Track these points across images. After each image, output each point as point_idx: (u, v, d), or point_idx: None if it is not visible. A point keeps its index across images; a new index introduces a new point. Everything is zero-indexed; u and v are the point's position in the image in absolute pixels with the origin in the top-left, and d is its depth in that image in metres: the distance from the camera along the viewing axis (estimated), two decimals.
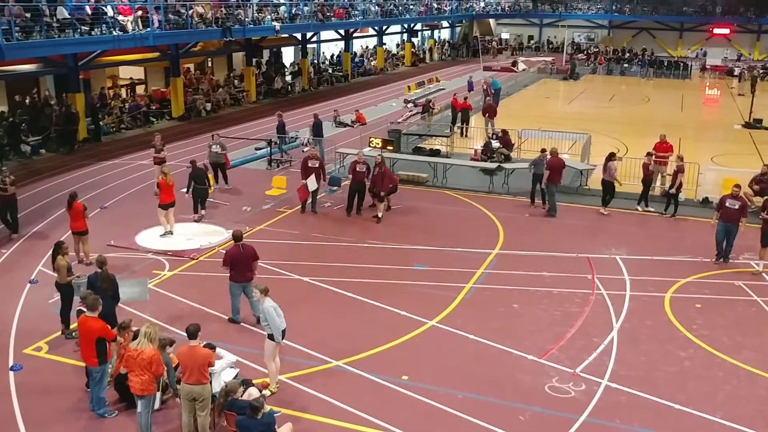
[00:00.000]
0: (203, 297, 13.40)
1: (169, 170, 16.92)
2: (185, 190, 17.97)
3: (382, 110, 35.26)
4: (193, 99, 33.11)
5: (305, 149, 22.62)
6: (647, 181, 19.16)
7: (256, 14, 33.60)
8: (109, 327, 9.71)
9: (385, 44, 55.23)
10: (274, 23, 33.92)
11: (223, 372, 9.71)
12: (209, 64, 39.53)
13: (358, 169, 18.27)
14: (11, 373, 10.83)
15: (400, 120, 31.16)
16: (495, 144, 23.98)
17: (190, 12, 28.88)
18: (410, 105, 35.61)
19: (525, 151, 24.24)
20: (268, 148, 23.83)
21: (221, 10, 30.95)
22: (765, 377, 11.08)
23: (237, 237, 12.40)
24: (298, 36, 41.78)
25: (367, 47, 55.21)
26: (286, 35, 38.83)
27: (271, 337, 10.12)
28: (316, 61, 48.16)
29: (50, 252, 12.37)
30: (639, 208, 19.22)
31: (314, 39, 44.98)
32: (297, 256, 15.72)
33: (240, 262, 12.11)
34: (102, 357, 9.50)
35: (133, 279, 13.62)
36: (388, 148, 23.30)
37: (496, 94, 34.22)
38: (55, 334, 11.91)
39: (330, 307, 13.24)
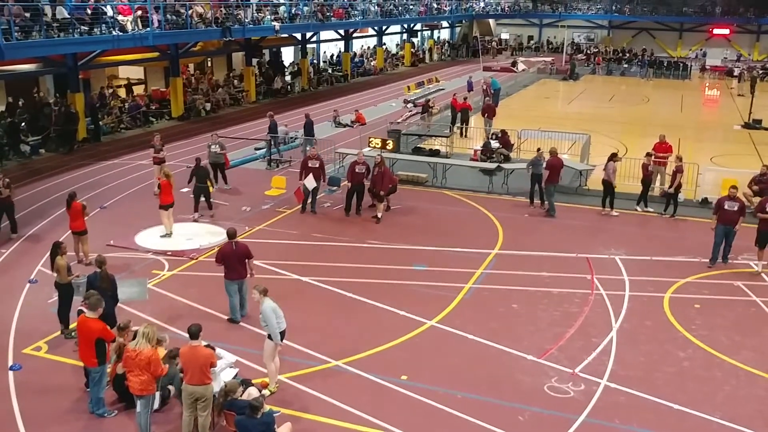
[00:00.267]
0: (202, 297, 13.40)
1: (170, 171, 16.91)
2: (189, 187, 18.14)
3: (381, 110, 35.27)
4: (192, 99, 33.11)
5: (307, 149, 22.60)
6: (646, 181, 19.16)
7: (256, 14, 33.60)
8: (109, 327, 9.71)
9: (385, 44, 55.25)
10: (274, 23, 33.92)
11: (223, 372, 9.72)
12: (209, 64, 39.54)
13: (357, 170, 18.27)
14: (11, 372, 10.83)
15: (399, 120, 31.17)
16: (494, 144, 23.99)
17: (190, 12, 28.88)
18: (410, 105, 35.62)
19: (524, 152, 24.24)
20: (266, 148, 23.85)
21: (221, 10, 30.96)
22: (764, 377, 11.09)
23: (231, 235, 12.49)
24: (298, 36, 41.77)
25: (368, 47, 55.23)
26: (286, 35, 38.83)
27: (270, 337, 10.13)
28: (315, 61, 48.17)
29: (49, 252, 12.37)
30: (638, 208, 19.23)
31: (314, 39, 44.97)
32: (296, 256, 15.72)
33: (233, 260, 12.21)
34: (101, 358, 9.50)
35: (132, 279, 13.63)
36: (388, 147, 23.30)
37: (495, 95, 34.24)
38: (55, 333, 11.91)
39: (329, 307, 13.24)
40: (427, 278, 14.56)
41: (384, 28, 52.56)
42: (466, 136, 28.52)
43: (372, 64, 52.44)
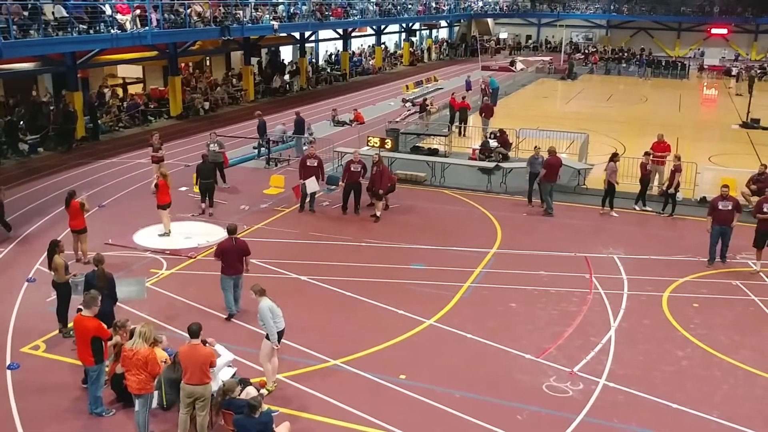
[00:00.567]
0: (201, 295, 13.39)
1: (167, 171, 16.89)
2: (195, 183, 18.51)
3: (380, 109, 35.27)
4: (191, 98, 33.08)
5: (304, 148, 22.60)
6: (645, 180, 19.17)
7: (255, 13, 33.58)
8: (105, 326, 9.69)
9: (384, 43, 55.23)
10: (273, 22, 33.88)
11: (221, 371, 9.70)
12: (207, 63, 39.50)
13: (352, 168, 18.26)
14: (8, 371, 10.81)
15: (398, 119, 31.15)
16: (493, 143, 23.99)
17: (189, 11, 28.84)
18: (408, 104, 35.61)
19: (523, 151, 24.26)
20: (265, 147, 23.84)
21: (219, 9, 30.93)
22: (763, 377, 11.09)
23: (231, 230, 12.66)
24: (297, 35, 41.74)
25: (368, 45, 55.20)
26: (284, 34, 38.81)
27: (268, 337, 10.11)
28: (314, 60, 48.15)
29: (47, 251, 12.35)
30: (636, 207, 19.24)
31: (312, 38, 44.95)
32: (295, 254, 15.71)
33: (231, 255, 12.37)
34: (98, 356, 9.48)
35: (130, 278, 13.60)
36: (387, 146, 23.30)
37: (494, 94, 34.24)
38: (53, 332, 11.89)
39: (328, 306, 13.24)
40: (426, 277, 14.56)
41: (383, 27, 52.52)
42: (464, 135, 28.51)
43: (371, 63, 52.42)
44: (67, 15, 23.01)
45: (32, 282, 14.03)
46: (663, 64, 55.01)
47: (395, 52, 59.72)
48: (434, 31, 68.08)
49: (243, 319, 12.49)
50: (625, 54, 61.64)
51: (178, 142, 26.60)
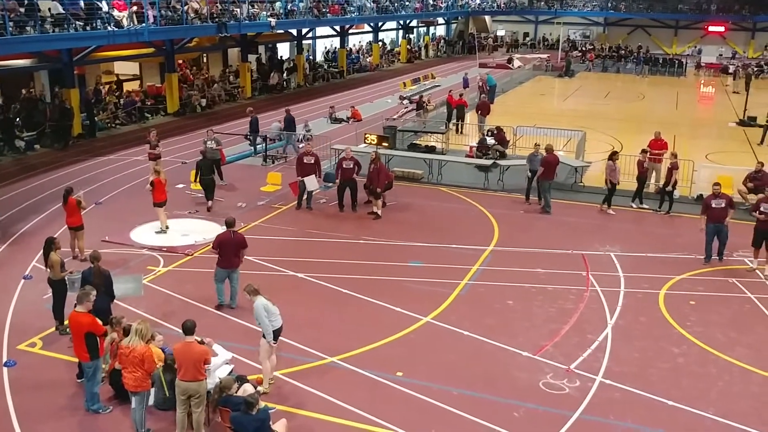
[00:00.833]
0: (198, 293, 13.38)
1: (161, 168, 16.84)
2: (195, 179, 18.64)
3: (377, 107, 35.25)
4: (188, 95, 33.03)
5: (301, 145, 22.59)
6: (642, 178, 19.18)
7: (252, 10, 33.52)
8: (99, 322, 9.67)
9: (382, 40, 55.16)
10: (270, 19, 33.84)
11: (218, 369, 9.70)
12: (204, 60, 39.43)
13: (344, 165, 18.26)
14: (5, 368, 10.80)
15: (395, 116, 31.14)
16: (490, 141, 23.99)
17: (186, 8, 28.77)
18: (405, 102, 35.61)
19: (520, 148, 24.27)
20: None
21: (216, 6, 30.86)
22: (758, 374, 11.12)
23: (229, 223, 12.83)
24: (294, 32, 41.69)
25: (368, 42, 55.14)
26: (282, 31, 38.75)
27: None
28: (311, 57, 48.09)
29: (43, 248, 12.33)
30: (633, 205, 19.26)
31: (310, 35, 44.89)
32: (292, 252, 15.71)
33: (229, 248, 12.57)
34: (93, 352, 9.46)
35: (127, 275, 13.58)
36: (384, 144, 23.30)
37: (491, 91, 34.26)
38: (50, 330, 11.89)
39: (325, 304, 13.24)
40: (423, 275, 14.57)
41: (380, 24, 52.47)
42: (461, 132, 28.51)
43: (368, 60, 52.37)
44: (63, 11, 22.97)
45: (29, 279, 14.01)
46: (660, 61, 55.02)
47: (392, 49, 59.66)
48: (432, 28, 68.02)
49: (239, 316, 12.49)
50: (623, 51, 61.64)
51: (175, 139, 26.57)
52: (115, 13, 24.98)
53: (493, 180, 21.11)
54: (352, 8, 44.64)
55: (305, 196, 18.65)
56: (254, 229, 17.11)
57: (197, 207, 18.48)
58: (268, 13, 34.44)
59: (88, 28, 23.78)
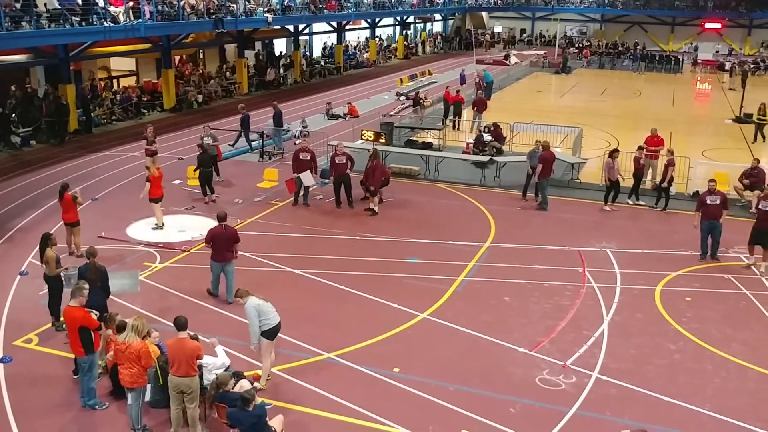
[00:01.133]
0: (194, 289, 13.37)
1: (153, 163, 16.77)
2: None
3: (374, 103, 35.20)
4: (184, 90, 32.96)
5: (297, 141, 22.57)
6: (638, 174, 19.21)
7: (248, 5, 33.45)
8: (93, 316, 9.64)
9: (379, 36, 55.08)
10: (266, 15, 33.78)
11: (215, 369, 9.68)
12: (201, 56, 39.36)
13: (337, 161, 18.26)
14: (1, 364, 10.79)
15: (392, 113, 31.12)
16: (487, 137, 23.99)
17: (182, 3, 28.72)
18: (402, 98, 35.58)
19: (517, 145, 24.28)
20: (260, 140, 23.81)
21: (213, 2, 30.79)
22: (754, 370, 11.16)
23: (221, 217, 13.03)
24: (291, 28, 41.62)
25: (365, 38, 55.06)
26: (278, 27, 38.68)
27: (264, 333, 10.09)
28: (308, 53, 48.02)
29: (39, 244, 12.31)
30: (630, 201, 19.27)
31: (306, 31, 44.81)
32: (289, 248, 15.70)
33: (221, 241, 12.74)
34: (87, 347, 9.43)
35: (123, 271, 13.58)
36: (381, 140, 23.28)
37: (488, 88, 34.24)
38: (46, 326, 11.87)
39: (322, 300, 13.24)
40: (420, 271, 14.57)
41: (377, 20, 52.41)
42: (458, 129, 28.51)
43: (365, 56, 52.32)
44: (59, 7, 22.89)
45: (25, 275, 13.99)
46: (657, 58, 55.02)
47: (389, 45, 59.59)
48: (429, 25, 67.94)
49: (236, 312, 12.45)
50: (619, 48, 61.67)
51: (172, 135, 26.51)
52: (112, 8, 24.93)
53: (489, 176, 21.12)
54: (348, 4, 44.57)
55: (302, 192, 18.64)
56: (251, 225, 17.09)
57: (194, 203, 18.46)
58: (265, 9, 34.39)
59: (84, 23, 23.72)
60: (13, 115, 25.07)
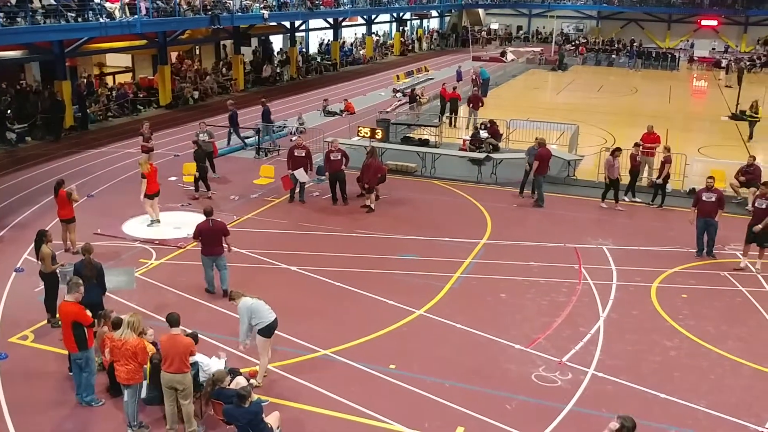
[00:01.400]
0: (190, 286, 13.36)
1: (145, 160, 16.67)
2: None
3: (370, 99, 35.20)
4: (180, 87, 32.89)
5: (293, 138, 22.54)
6: (634, 171, 19.21)
7: (245, 2, 33.38)
8: (88, 313, 9.61)
9: (375, 32, 55.00)
10: (263, 11, 33.72)
11: (212, 361, 9.68)
12: (197, 52, 39.27)
13: (332, 157, 18.25)
14: None
15: (388, 110, 31.10)
16: (483, 134, 23.98)
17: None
18: (399, 95, 35.56)
19: (513, 142, 24.29)
20: (255, 137, 23.78)
21: None
22: (749, 367, 11.18)
23: (207, 212, 13.06)
24: (287, 24, 41.55)
25: (361, 35, 55.00)
26: (275, 23, 38.61)
27: (260, 331, 10.09)
28: (304, 50, 47.95)
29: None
30: (626, 198, 19.28)
31: (303, 27, 44.75)
32: (284, 245, 15.69)
33: (209, 236, 12.82)
34: (81, 343, 9.40)
35: (119, 268, 13.55)
36: (377, 136, 23.28)
37: (484, 84, 34.22)
38: (41, 322, 11.85)
39: (318, 297, 13.23)
40: (416, 268, 14.57)
41: (373, 16, 52.33)
42: (455, 125, 28.50)
43: (361, 53, 52.25)
44: (55, 3, 22.82)
45: (20, 272, 13.96)
46: (653, 55, 55.09)
47: (386, 42, 59.52)
48: (425, 21, 67.89)
49: (232, 309, 12.39)
50: (616, 45, 61.67)
51: (168, 131, 26.47)
52: (107, 4, 24.86)
53: (486, 173, 21.11)
54: (345, 0, 44.52)
55: (297, 189, 18.62)
56: (247, 221, 17.07)
57: (189, 200, 18.43)
58: (261, 5, 34.32)
59: (80, 19, 23.63)
60: (9, 111, 24.98)
